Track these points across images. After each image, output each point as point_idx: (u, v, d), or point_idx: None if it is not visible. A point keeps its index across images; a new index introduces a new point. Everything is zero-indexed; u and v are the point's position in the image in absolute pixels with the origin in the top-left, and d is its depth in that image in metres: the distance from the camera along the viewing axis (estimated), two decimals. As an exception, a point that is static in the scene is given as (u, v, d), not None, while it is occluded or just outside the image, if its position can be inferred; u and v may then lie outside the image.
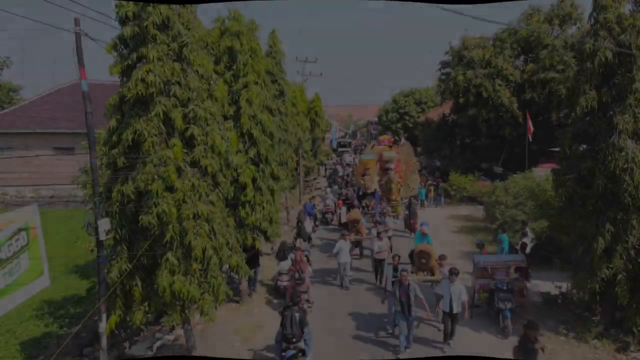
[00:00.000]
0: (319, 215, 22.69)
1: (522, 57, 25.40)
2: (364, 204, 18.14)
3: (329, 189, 23.29)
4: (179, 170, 7.57)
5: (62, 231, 13.22)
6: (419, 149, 34.09)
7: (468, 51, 26.11)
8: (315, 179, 32.18)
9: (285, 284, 12.91)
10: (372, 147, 20.59)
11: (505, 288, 10.56)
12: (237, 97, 11.59)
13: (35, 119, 30.53)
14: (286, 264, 13.50)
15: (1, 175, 29.63)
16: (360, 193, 18.92)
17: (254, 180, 11.78)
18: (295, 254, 12.42)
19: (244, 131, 11.49)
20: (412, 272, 11.35)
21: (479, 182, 24.05)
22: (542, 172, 25.57)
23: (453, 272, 9.69)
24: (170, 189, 7.51)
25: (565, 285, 12.09)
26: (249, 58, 11.74)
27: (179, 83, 7.67)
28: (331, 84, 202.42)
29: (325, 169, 37.07)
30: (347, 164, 44.33)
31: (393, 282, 10.04)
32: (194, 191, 7.58)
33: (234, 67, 11.70)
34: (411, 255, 12.34)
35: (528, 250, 12.89)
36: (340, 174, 32.96)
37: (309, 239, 17.70)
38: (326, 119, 48.65)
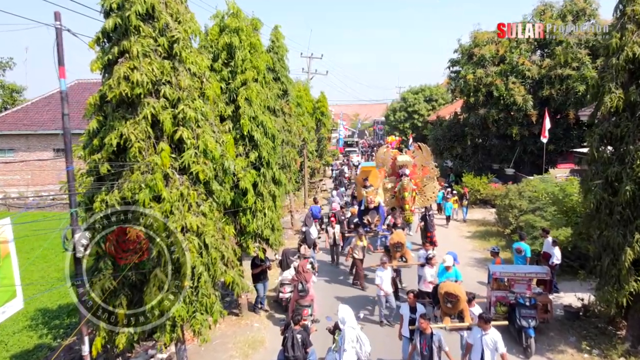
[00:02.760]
0: (324, 219, 21.98)
1: (538, 52, 24.41)
2: (365, 221, 15.11)
3: (334, 192, 22.46)
4: (166, 178, 6.83)
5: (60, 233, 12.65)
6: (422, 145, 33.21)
7: (479, 48, 25.19)
8: (321, 180, 31.38)
9: (287, 295, 12.16)
10: (384, 152, 18.25)
11: (528, 304, 9.73)
12: (235, 96, 10.88)
13: (36, 120, 30.12)
14: (289, 273, 12.78)
15: (3, 177, 29.27)
16: (362, 207, 15.74)
17: (255, 185, 11.06)
18: (298, 263, 11.68)
19: (245, 133, 10.76)
20: (435, 317, 9.90)
21: (491, 184, 23.13)
22: (560, 174, 24.80)
23: (484, 319, 7.64)
24: (157, 198, 6.78)
25: (588, 297, 11.25)
26: (248, 53, 11.01)
27: (169, 83, 6.93)
28: (337, 81, 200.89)
29: (332, 170, 36.23)
30: (355, 165, 43.60)
31: (411, 329, 8.40)
32: (183, 201, 6.83)
33: (232, 63, 10.98)
34: (434, 293, 10.12)
35: (556, 260, 12.06)
36: (347, 174, 32.16)
37: (314, 246, 16.94)
38: (332, 118, 47.91)
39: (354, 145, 53.08)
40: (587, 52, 22.03)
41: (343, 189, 25.02)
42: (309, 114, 24.38)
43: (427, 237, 15.32)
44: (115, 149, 6.76)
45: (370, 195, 15.35)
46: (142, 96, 6.64)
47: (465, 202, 21.55)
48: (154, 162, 6.68)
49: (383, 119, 59.20)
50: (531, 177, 21.62)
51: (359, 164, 30.27)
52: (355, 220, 15.94)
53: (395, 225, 14.28)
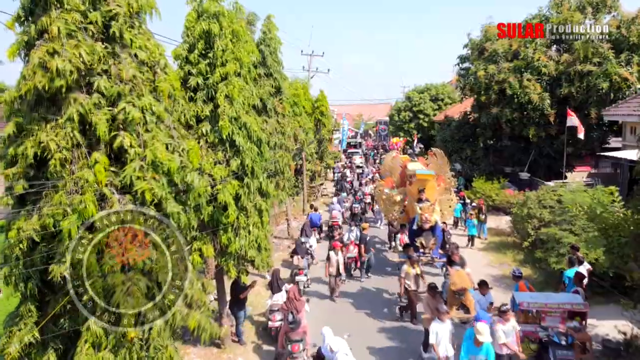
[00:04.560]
0: (324, 228, 20.28)
1: (554, 47, 22.58)
2: (418, 244, 11.92)
3: (334, 198, 20.68)
4: (102, 199, 5.16)
5: None
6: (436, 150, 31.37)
7: (491, 43, 23.41)
8: (321, 184, 29.60)
9: (277, 324, 10.50)
10: (392, 158, 15.91)
11: (564, 342, 8.03)
12: (213, 93, 9.22)
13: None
14: (280, 297, 11.19)
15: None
16: (415, 227, 12.26)
17: (237, 198, 9.39)
18: (289, 289, 10.01)
19: (224, 137, 9.08)
20: None
21: (505, 190, 21.32)
22: (579, 178, 23.02)
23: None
24: (91, 227, 5.12)
25: (631, 330, 9.53)
26: (229, 43, 9.34)
27: (106, 73, 5.27)
28: (340, 81, 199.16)
29: (333, 173, 34.40)
30: (358, 166, 41.72)
31: None
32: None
33: (210, 54, 9.31)
34: None
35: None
36: (350, 178, 30.39)
37: (311, 256, 15.28)
38: (334, 118, 46.13)
39: (357, 146, 51.16)
40: (610, 47, 20.20)
41: (344, 194, 23.22)
42: (307, 114, 22.67)
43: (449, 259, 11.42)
44: (33, 161, 5.10)
45: (426, 213, 11.90)
46: (66, 90, 4.97)
47: (482, 217, 18.06)
48: (84, 179, 5.01)
49: (387, 118, 57.34)
50: (550, 183, 19.88)
51: (363, 170, 28.05)
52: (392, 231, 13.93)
53: (452, 262, 10.53)
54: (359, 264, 14.38)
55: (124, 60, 5.36)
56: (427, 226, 11.78)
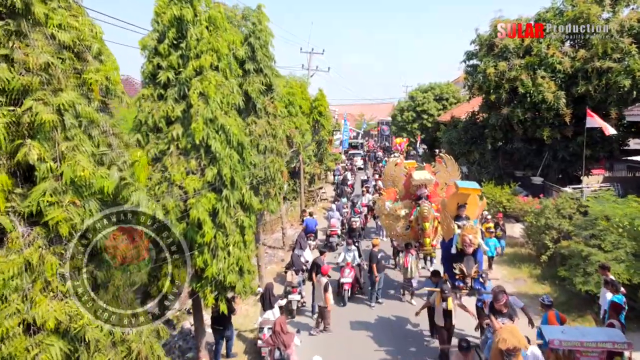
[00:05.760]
0: (322, 235, 18.85)
1: (568, 43, 21.02)
2: (457, 270, 9.52)
3: (333, 205, 19.18)
4: (2, 233, 3.75)
5: None
6: (441, 152, 29.80)
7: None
8: (320, 188, 28.11)
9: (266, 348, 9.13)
10: (396, 166, 13.31)
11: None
12: (186, 90, 7.81)
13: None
14: (271, 314, 9.98)
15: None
16: (454, 251, 9.57)
17: (214, 213, 7.98)
18: (275, 321, 8.57)
19: (197, 142, 7.67)
20: None
21: (518, 197, 19.81)
22: (594, 182, 21.50)
23: None
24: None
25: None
26: (205, 30, 7.93)
27: (6, 59, 3.85)
28: (341, 80, 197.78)
29: (334, 175, 32.85)
30: (359, 168, 40.20)
31: None
32: (31, 275, 3.74)
33: (183, 44, 7.90)
34: None
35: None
36: (351, 181, 28.92)
37: (304, 271, 13.83)
38: (335, 118, 44.67)
39: (358, 147, 49.58)
40: (632, 41, 18.67)
41: (345, 199, 21.69)
42: (305, 115, 21.22)
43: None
44: None
45: (470, 235, 9.15)
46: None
47: (499, 232, 15.29)
48: (-29, 206, 3.60)
49: (389, 119, 55.75)
50: (567, 189, 18.39)
51: (367, 179, 26.27)
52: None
53: (496, 311, 7.77)
54: (356, 289, 12.67)
55: (33, 42, 3.93)
56: (470, 250, 9.22)
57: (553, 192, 20.05)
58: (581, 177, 21.18)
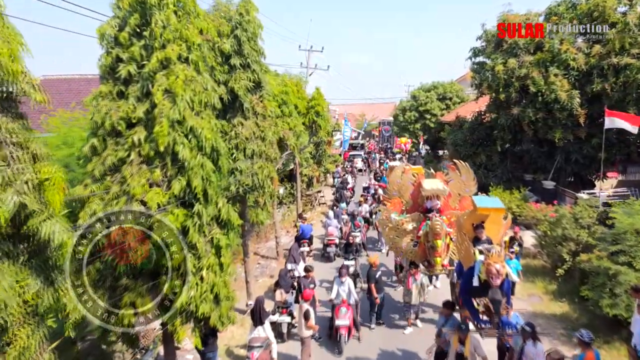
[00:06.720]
0: (319, 244, 17.58)
1: (580, 38, 19.69)
2: (481, 306, 8.03)
3: (330, 212, 17.85)
4: None
5: None
6: (445, 153, 28.52)
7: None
8: (319, 191, 26.82)
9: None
10: (402, 174, 11.52)
11: None
12: (149, 86, 6.57)
13: None
14: (261, 331, 8.87)
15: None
16: (476, 283, 7.55)
17: (184, 232, 6.75)
18: (258, 357, 7.34)
19: (161, 149, 6.42)
20: None
21: (530, 203, 18.50)
22: (607, 186, 20.21)
23: None
24: None
25: None
26: (173, 16, 6.69)
27: None
28: (342, 79, 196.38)
29: (333, 178, 31.51)
30: (360, 170, 38.88)
31: None
32: None
33: (147, 32, 6.66)
34: None
35: None
36: (351, 185, 27.66)
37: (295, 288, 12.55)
38: (336, 118, 43.42)
39: (358, 147, 48.18)
40: (653, 36, 17.39)
41: (344, 204, 20.39)
42: (301, 115, 19.95)
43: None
44: None
45: (497, 264, 7.22)
46: None
47: (517, 249, 12.95)
48: None
49: (390, 119, 54.40)
50: (582, 195, 17.12)
51: (369, 188, 24.81)
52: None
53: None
54: (352, 334, 10.50)
55: None
56: (497, 282, 7.24)
57: (566, 198, 18.76)
58: (596, 181, 19.88)
